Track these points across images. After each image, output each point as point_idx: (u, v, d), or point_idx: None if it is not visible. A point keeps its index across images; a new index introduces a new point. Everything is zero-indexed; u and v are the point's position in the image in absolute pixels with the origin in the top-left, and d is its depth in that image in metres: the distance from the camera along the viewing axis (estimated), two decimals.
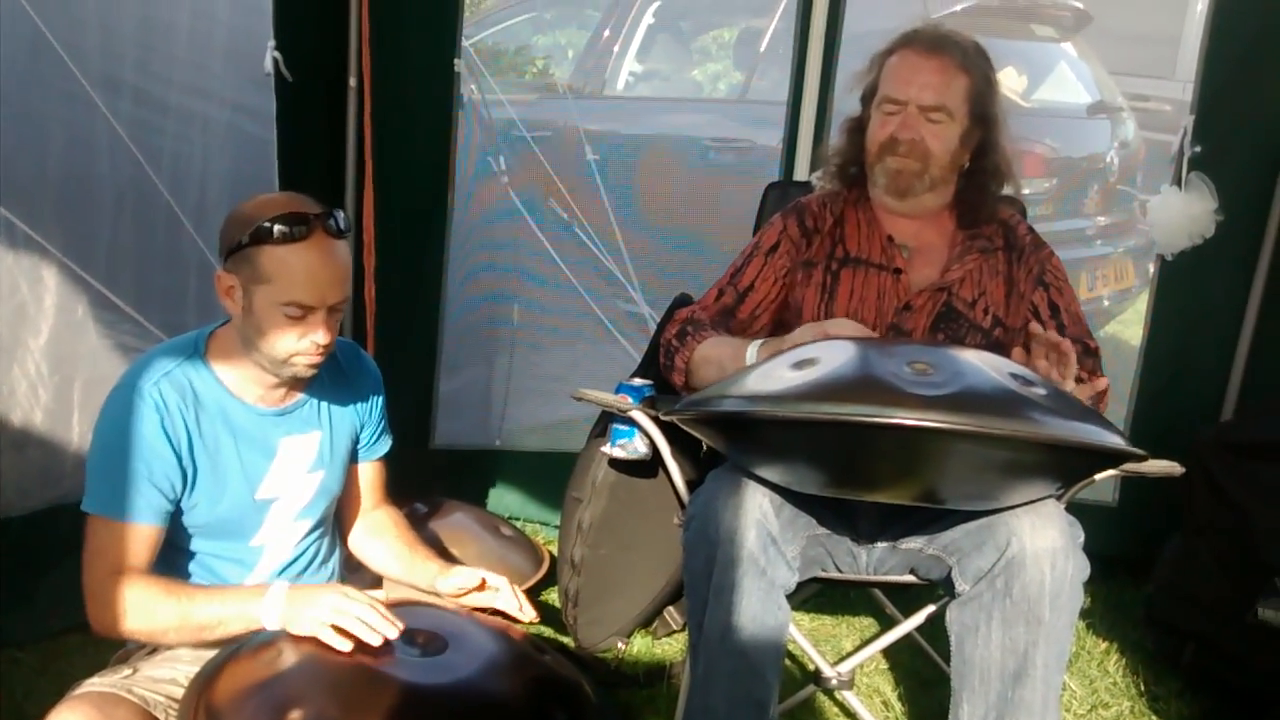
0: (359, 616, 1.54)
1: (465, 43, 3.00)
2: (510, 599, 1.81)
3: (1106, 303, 4.11)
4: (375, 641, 1.53)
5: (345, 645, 1.53)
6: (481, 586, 1.82)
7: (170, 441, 1.65)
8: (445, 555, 2.11)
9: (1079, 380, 1.81)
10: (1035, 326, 1.81)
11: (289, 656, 1.61)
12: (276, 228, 1.60)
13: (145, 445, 1.64)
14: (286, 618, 1.58)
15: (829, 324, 1.88)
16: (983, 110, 2.05)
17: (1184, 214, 2.80)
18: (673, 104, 4.13)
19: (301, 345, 1.65)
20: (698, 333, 2.06)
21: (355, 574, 2.01)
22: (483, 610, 1.84)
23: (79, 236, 2.43)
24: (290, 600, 1.59)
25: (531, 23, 4.08)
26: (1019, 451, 1.55)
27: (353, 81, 2.86)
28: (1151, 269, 3.04)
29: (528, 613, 1.82)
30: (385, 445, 1.96)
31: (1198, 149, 2.81)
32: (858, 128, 2.13)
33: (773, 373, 1.64)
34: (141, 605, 1.61)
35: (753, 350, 1.93)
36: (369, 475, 1.96)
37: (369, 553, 1.97)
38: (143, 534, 1.65)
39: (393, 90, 2.88)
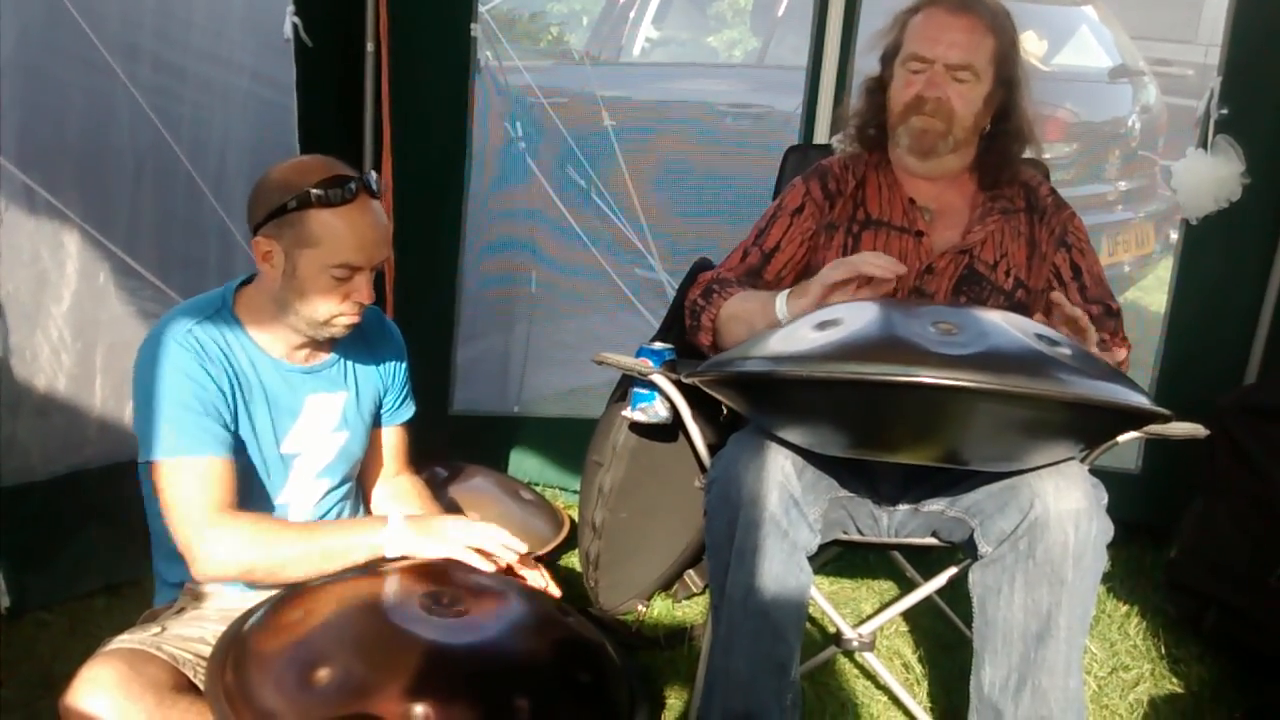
0: (492, 537, 1.63)
1: (481, 9, 2.98)
2: (535, 579, 1.80)
3: (1127, 268, 4.08)
4: (513, 559, 1.68)
5: (486, 565, 1.63)
6: (509, 571, 1.81)
7: (212, 377, 1.66)
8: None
9: (1100, 345, 1.80)
10: (1057, 295, 1.79)
11: (315, 616, 1.62)
12: (326, 191, 1.62)
13: (193, 382, 1.64)
14: (416, 544, 1.64)
15: (857, 258, 1.84)
16: (1007, 73, 2.03)
17: (1210, 177, 2.77)
18: (690, 69, 4.11)
19: (345, 306, 1.68)
20: (724, 290, 2.05)
21: None
22: None
23: (99, 203, 2.44)
24: (416, 528, 1.66)
25: None
26: (1043, 411, 1.55)
27: (370, 46, 2.85)
28: (1174, 234, 3.01)
29: (551, 590, 1.82)
30: (409, 411, 1.97)
31: (1224, 111, 2.78)
32: (878, 88, 2.11)
33: (796, 333, 1.64)
34: (261, 536, 1.62)
35: (780, 301, 1.91)
36: (392, 440, 1.97)
37: None
38: (221, 466, 1.64)
39: (410, 55, 2.87)
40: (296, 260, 1.65)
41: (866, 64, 2.18)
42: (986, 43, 2.00)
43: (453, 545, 1.62)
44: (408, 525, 1.66)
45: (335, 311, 1.68)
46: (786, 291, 1.93)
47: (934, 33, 2.00)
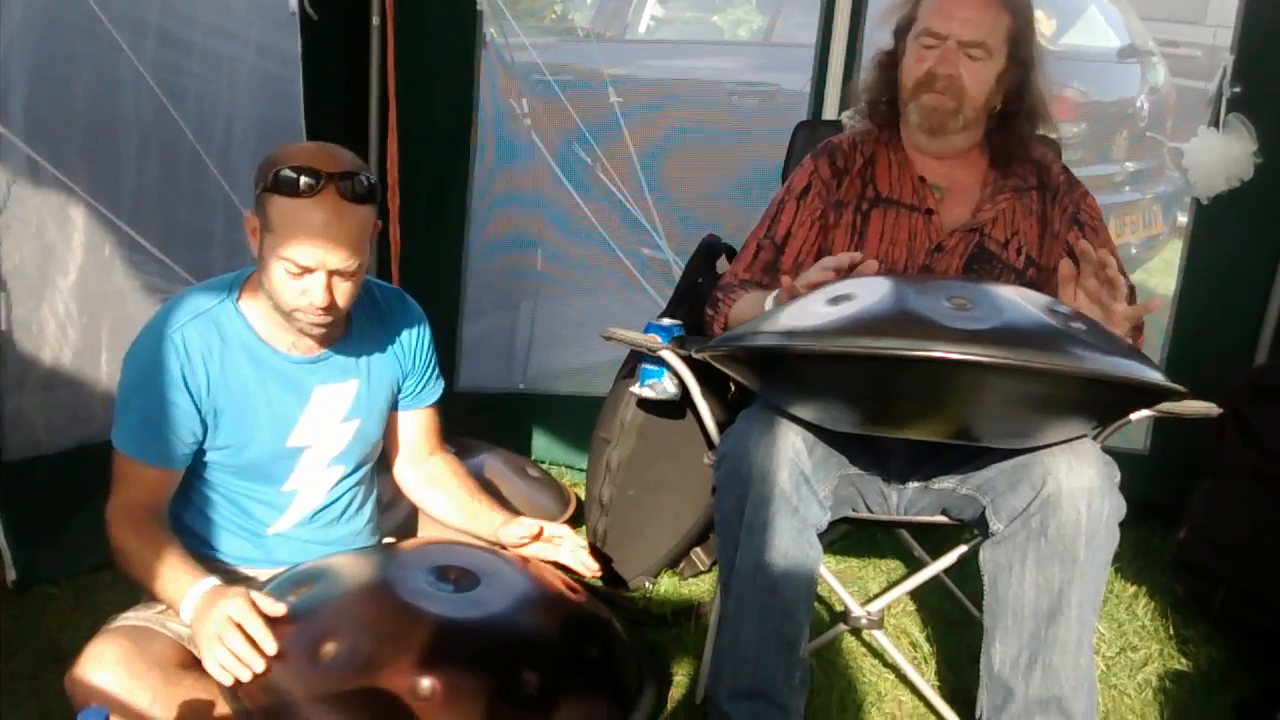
0: (230, 648, 1.48)
1: None
2: (572, 552, 1.81)
3: (1134, 250, 4.06)
4: (244, 676, 1.47)
5: (224, 678, 1.48)
6: (539, 535, 1.82)
7: (189, 389, 1.65)
8: (503, 502, 2.08)
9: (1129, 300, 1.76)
10: (1084, 244, 1.75)
11: (322, 591, 1.63)
12: (286, 178, 1.56)
13: (163, 392, 1.64)
14: (195, 623, 1.55)
15: (830, 259, 1.77)
16: (1022, 52, 1.99)
17: (1223, 156, 2.74)
18: (697, 47, 4.08)
19: (301, 302, 1.61)
20: (726, 297, 2.04)
21: (388, 511, 2.01)
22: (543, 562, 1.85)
23: (106, 178, 2.43)
24: (200, 610, 1.54)
25: None
26: (1058, 387, 1.53)
27: (375, 20, 2.83)
28: (1182, 216, 2.99)
29: (589, 565, 1.82)
30: (436, 392, 1.94)
31: (1236, 90, 2.75)
32: (890, 62, 2.07)
33: (808, 308, 1.62)
34: (124, 554, 1.65)
35: (769, 303, 1.89)
36: (422, 422, 1.93)
37: (429, 502, 1.96)
38: (151, 475, 1.68)
39: (415, 29, 2.85)
40: (263, 242, 1.62)
41: (875, 39, 2.15)
42: (1002, 20, 1.96)
43: (206, 646, 1.50)
44: (201, 599, 1.55)
45: (295, 306, 1.61)
46: (774, 294, 1.89)
47: (948, 8, 1.96)
